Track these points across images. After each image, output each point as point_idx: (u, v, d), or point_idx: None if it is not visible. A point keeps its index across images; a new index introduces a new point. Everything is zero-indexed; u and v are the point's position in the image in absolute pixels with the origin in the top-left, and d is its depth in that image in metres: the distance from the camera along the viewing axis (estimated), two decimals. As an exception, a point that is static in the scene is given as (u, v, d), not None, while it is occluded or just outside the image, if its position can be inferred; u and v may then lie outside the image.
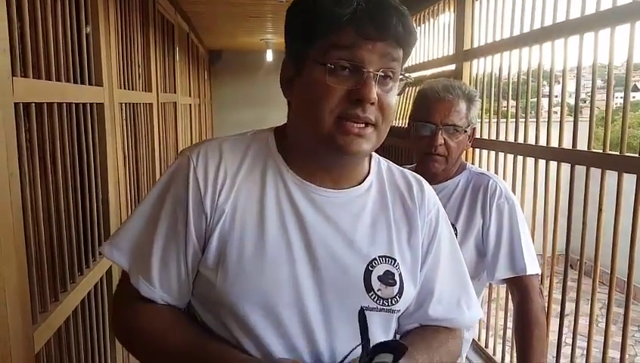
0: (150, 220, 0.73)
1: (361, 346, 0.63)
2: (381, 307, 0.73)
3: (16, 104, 1.07)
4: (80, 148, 1.56)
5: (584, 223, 1.82)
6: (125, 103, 2.14)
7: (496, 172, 2.39)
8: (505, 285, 1.32)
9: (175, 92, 3.57)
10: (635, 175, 1.52)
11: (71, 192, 1.46)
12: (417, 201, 0.80)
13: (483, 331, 2.69)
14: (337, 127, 0.68)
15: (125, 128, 2.13)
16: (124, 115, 2.12)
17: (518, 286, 1.25)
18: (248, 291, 0.69)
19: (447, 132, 1.26)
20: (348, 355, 0.65)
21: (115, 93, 1.89)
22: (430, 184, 1.35)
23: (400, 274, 0.75)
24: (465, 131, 1.29)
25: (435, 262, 0.80)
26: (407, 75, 0.73)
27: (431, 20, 3.35)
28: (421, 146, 1.30)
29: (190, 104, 4.55)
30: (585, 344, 1.86)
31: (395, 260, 0.75)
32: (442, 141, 1.26)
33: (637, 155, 1.54)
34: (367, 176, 0.79)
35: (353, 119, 0.67)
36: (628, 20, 1.53)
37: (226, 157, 0.74)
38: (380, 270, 0.73)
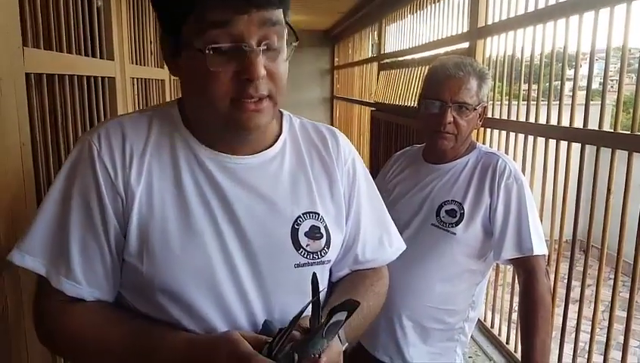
0: (61, 215, 0.69)
1: (311, 304, 0.64)
2: (312, 261, 0.74)
3: (27, 75, 1.09)
4: (92, 121, 1.59)
5: (592, 203, 1.80)
6: (137, 78, 2.17)
7: (507, 151, 2.38)
8: (512, 266, 1.32)
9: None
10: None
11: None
12: (334, 153, 0.81)
13: (489, 312, 2.71)
14: (233, 107, 0.66)
15: (136, 103, 2.15)
16: (136, 90, 2.14)
17: (525, 266, 1.24)
18: (180, 270, 0.68)
19: (457, 110, 1.25)
20: (299, 314, 0.64)
21: (127, 67, 1.91)
22: (439, 163, 1.35)
23: (326, 226, 0.76)
24: (475, 110, 1.27)
25: (358, 209, 0.82)
26: (288, 25, 0.68)
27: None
28: (430, 124, 1.29)
29: (202, 82, 4.55)
30: (591, 328, 1.87)
31: (318, 214, 0.76)
32: (452, 119, 1.25)
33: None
34: (279, 136, 0.79)
35: (247, 98, 0.66)
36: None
37: (130, 136, 0.71)
38: (305, 226, 0.74)
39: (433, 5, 3.48)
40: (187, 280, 0.69)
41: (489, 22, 2.52)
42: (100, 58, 1.68)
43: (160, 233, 0.69)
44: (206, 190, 0.72)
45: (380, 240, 0.86)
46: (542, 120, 2.13)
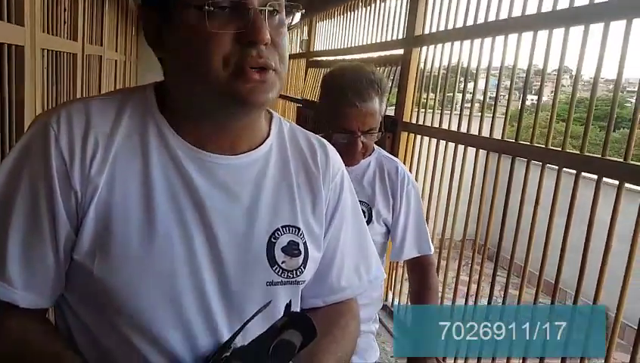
0: (3, 206, 0.61)
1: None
2: (286, 280, 0.68)
3: None
4: (-6, 96, 1.33)
5: (491, 208, 2.02)
6: (48, 50, 1.88)
7: (429, 157, 2.50)
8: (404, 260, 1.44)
9: (101, 45, 3.24)
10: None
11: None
12: (322, 167, 0.74)
13: (396, 299, 2.94)
14: (236, 77, 0.59)
15: (46, 78, 1.87)
16: (45, 63, 1.86)
17: (422, 263, 1.38)
18: (137, 277, 0.60)
19: (365, 135, 1.25)
20: (235, 333, 0.61)
21: (37, 36, 1.64)
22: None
23: (305, 243, 0.70)
24: (380, 124, 1.28)
25: (337, 230, 0.76)
26: (294, 3, 0.64)
27: (378, 1, 3.32)
28: (341, 150, 1.24)
29: (115, 60, 4.17)
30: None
31: (299, 229, 0.70)
32: (362, 145, 1.25)
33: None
34: (267, 138, 0.71)
35: (252, 65, 0.59)
36: (563, 25, 1.67)
37: (96, 121, 0.62)
38: (283, 241, 0.68)
39: (366, 8, 3.51)
40: (143, 286, 0.60)
41: (426, 31, 2.59)
42: (8, 22, 1.41)
43: (119, 232, 0.60)
44: (177, 187, 0.63)
45: (357, 267, 0.78)
46: (455, 127, 2.31)
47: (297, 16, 0.65)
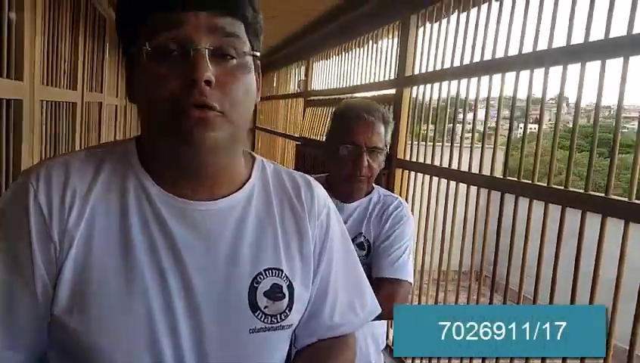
0: None
1: None
2: (270, 325, 0.66)
3: None
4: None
5: (484, 239, 2.08)
6: (47, 101, 1.94)
7: (423, 193, 2.50)
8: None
9: (101, 92, 3.32)
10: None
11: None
12: (307, 204, 0.73)
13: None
14: (178, 115, 0.59)
15: (44, 129, 1.92)
16: (44, 114, 1.91)
17: (392, 286, 1.29)
18: (113, 332, 0.60)
19: (370, 155, 1.29)
20: None
21: (36, 89, 1.70)
22: (348, 202, 1.37)
23: (289, 285, 0.68)
24: (384, 153, 1.33)
25: (328, 267, 0.74)
26: (253, 52, 0.64)
27: (370, 42, 3.42)
28: (346, 168, 1.30)
29: (116, 105, 4.25)
30: None
31: (282, 271, 0.68)
32: (367, 163, 1.28)
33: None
34: (248, 181, 0.71)
35: (192, 103, 0.58)
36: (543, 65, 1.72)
37: (74, 176, 0.63)
38: (266, 284, 0.66)
39: (360, 49, 3.61)
40: (121, 341, 0.60)
41: (416, 71, 2.66)
42: (7, 78, 1.47)
43: (95, 285, 0.60)
44: (156, 239, 0.62)
45: (351, 304, 0.76)
46: (447, 159, 2.29)
47: (249, 60, 0.64)
